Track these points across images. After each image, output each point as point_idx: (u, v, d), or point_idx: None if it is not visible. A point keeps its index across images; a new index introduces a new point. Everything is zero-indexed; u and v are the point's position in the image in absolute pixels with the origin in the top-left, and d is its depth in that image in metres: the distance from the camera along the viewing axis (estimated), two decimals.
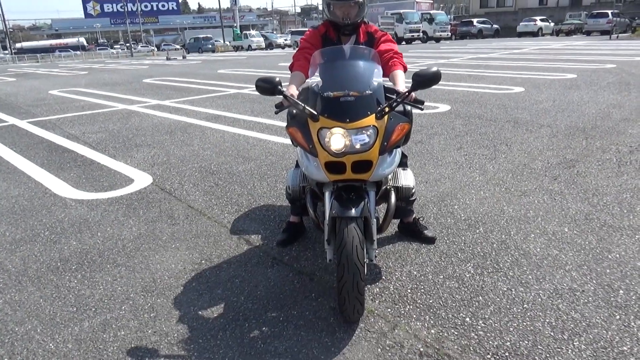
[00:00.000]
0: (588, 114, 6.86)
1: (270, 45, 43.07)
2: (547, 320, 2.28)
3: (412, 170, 3.08)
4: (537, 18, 39.45)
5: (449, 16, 44.80)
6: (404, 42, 34.08)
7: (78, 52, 52.49)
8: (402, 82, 2.57)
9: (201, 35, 47.89)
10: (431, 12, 37.55)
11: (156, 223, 3.61)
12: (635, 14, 36.47)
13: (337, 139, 2.15)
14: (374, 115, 2.20)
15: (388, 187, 2.50)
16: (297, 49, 2.86)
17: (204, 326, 2.33)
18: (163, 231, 3.46)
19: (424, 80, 2.21)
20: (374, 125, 2.18)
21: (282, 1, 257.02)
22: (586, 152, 5.01)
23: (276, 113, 2.63)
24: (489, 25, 41.02)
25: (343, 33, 2.80)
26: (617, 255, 2.86)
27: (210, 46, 43.95)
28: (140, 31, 59.92)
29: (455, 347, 2.12)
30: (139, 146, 6.06)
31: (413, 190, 2.65)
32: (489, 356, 2.06)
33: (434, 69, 2.23)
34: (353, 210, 2.15)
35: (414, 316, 2.35)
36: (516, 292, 2.51)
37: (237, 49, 43.60)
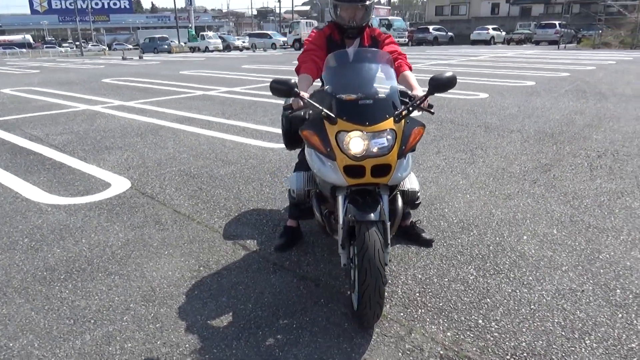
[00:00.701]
0: (553, 119, 7.14)
1: (228, 47, 42.55)
2: (556, 320, 2.34)
3: None
4: (490, 27, 40.90)
5: (405, 23, 45.69)
6: None
7: (24, 50, 50.04)
8: (417, 84, 2.57)
9: (157, 35, 46.69)
10: (389, 18, 38.22)
11: (143, 229, 3.48)
12: (580, 26, 38.37)
13: (356, 142, 2.13)
14: (392, 118, 2.20)
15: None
16: (302, 51, 2.80)
17: (215, 335, 2.25)
18: (152, 237, 3.33)
19: (440, 84, 2.23)
20: (392, 129, 2.18)
21: (238, 3, 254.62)
22: (558, 156, 5.20)
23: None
24: (444, 33, 42.16)
25: (348, 36, 2.78)
26: (607, 256, 2.98)
27: (166, 47, 42.95)
28: (90, 30, 57.79)
29: (474, 349, 2.14)
30: (109, 149, 5.83)
31: (418, 194, 2.67)
32: (508, 357, 2.09)
33: (449, 73, 2.25)
34: (372, 214, 2.13)
35: (428, 320, 2.36)
36: (521, 294, 2.57)
37: (193, 50, 42.81)
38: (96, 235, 3.37)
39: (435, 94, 2.28)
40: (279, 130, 6.46)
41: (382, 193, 2.30)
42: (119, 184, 4.47)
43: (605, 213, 3.64)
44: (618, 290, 2.59)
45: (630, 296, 2.54)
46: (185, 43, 46.50)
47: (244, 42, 44.68)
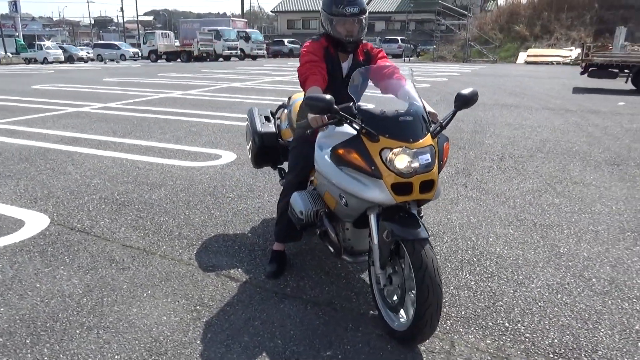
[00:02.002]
0: None
1: (70, 59, 38.71)
2: (566, 314, 2.55)
3: None
4: None
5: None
6: (221, 59, 34.06)
7: None
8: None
9: None
10: (247, 30, 38.31)
11: (98, 270, 2.99)
12: (418, 42, 42.59)
13: (403, 159, 2.10)
14: (429, 134, 2.21)
15: None
16: (303, 62, 2.64)
17: None
18: (116, 279, 2.88)
19: (467, 99, 2.31)
20: (432, 145, 2.19)
21: (71, 11, 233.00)
22: (469, 161, 5.70)
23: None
24: (298, 46, 43.62)
25: (343, 50, 2.72)
26: (566, 250, 3.33)
27: None
28: None
29: (519, 352, 2.23)
30: None
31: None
32: (551, 355, 2.21)
33: (472, 89, 2.34)
34: (422, 231, 2.11)
35: (461, 330, 2.40)
36: (523, 293, 2.75)
37: (29, 61, 38.09)
38: (43, 285, 2.81)
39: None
40: (192, 148, 6.09)
41: (412, 209, 2.29)
42: (34, 220, 3.79)
43: (539, 211, 4.08)
44: (594, 280, 2.92)
45: (606, 284, 2.87)
46: (12, 54, 41.17)
47: (88, 53, 41.11)
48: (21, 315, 2.50)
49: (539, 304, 2.64)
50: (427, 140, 2.18)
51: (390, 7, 50.66)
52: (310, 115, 2.34)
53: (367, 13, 2.62)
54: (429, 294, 2.03)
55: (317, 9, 43.04)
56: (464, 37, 34.39)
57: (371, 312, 2.56)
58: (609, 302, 2.67)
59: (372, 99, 2.46)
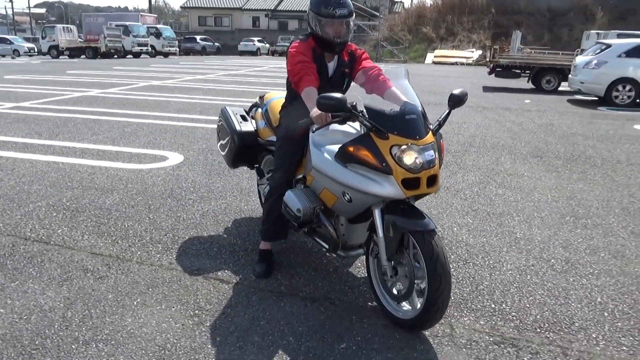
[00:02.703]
0: None
1: None
2: (541, 292, 2.82)
3: None
4: (255, 39, 43.03)
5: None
6: (130, 56, 32.46)
7: None
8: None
9: None
10: (157, 26, 36.77)
11: (74, 281, 2.81)
12: None
13: (412, 155, 2.21)
14: (431, 132, 2.34)
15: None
16: (295, 62, 2.64)
17: None
18: (98, 289, 2.73)
19: (459, 99, 2.48)
20: (434, 142, 2.32)
21: None
22: None
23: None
24: (211, 43, 42.72)
25: (329, 51, 2.77)
26: (522, 235, 3.66)
27: None
28: None
29: (510, 329, 2.45)
30: None
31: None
32: (539, 330, 2.45)
33: (462, 89, 2.52)
34: (430, 222, 2.24)
35: (456, 314, 2.57)
36: (497, 276, 3.00)
37: None
38: (15, 300, 2.59)
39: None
40: (133, 150, 5.82)
41: (412, 203, 2.42)
42: None
43: (488, 201, 4.41)
44: (553, 260, 3.24)
45: (564, 263, 3.20)
46: None
47: None
48: (2, 335, 2.29)
49: (514, 285, 2.89)
50: (430, 137, 2.31)
51: (303, 6, 51.06)
52: (314, 114, 2.38)
53: (354, 15, 2.71)
54: (441, 282, 2.16)
55: (229, 6, 42.20)
56: (376, 38, 35.66)
57: (369, 303, 2.65)
58: (571, 279, 2.99)
59: (373, 98, 2.56)
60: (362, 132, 2.43)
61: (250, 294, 2.72)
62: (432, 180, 2.31)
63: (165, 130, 7.15)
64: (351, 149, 2.29)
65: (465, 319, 2.53)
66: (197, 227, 3.63)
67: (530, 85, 15.44)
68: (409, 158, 2.21)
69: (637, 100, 11.37)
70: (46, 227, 3.57)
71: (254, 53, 41.66)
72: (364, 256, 2.68)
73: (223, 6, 52.45)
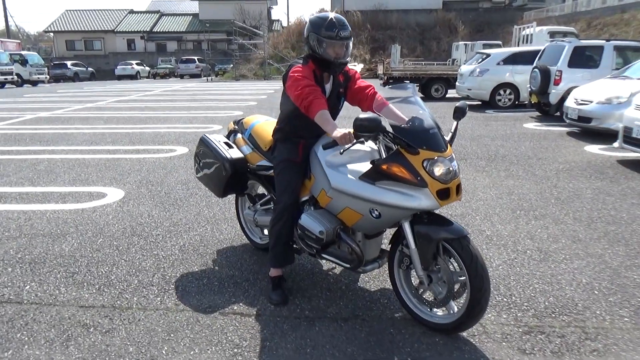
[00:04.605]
0: None
1: None
2: (535, 280, 3.10)
3: None
4: (134, 62, 41.06)
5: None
6: None
7: None
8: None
9: None
10: (22, 52, 33.52)
11: (78, 339, 2.52)
12: (215, 61, 42.84)
13: (442, 167, 2.35)
14: (449, 144, 2.50)
15: None
16: (301, 86, 2.62)
17: None
18: (112, 344, 2.48)
19: (463, 110, 2.68)
20: (453, 153, 2.48)
21: None
22: None
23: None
24: (84, 68, 39.92)
25: (328, 71, 2.82)
26: (491, 232, 3.98)
27: None
28: None
29: (531, 318, 2.67)
30: None
31: None
32: (553, 315, 2.70)
33: (463, 101, 2.73)
34: (462, 229, 2.39)
35: None
36: (493, 271, 3.24)
37: None
38: None
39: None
40: (59, 189, 5.32)
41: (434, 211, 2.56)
42: None
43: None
44: (529, 252, 3.58)
45: (539, 253, 3.56)
46: None
47: None
48: None
49: (511, 277, 3.16)
50: (450, 149, 2.47)
51: (180, 27, 49.90)
52: (338, 134, 2.41)
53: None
54: (483, 282, 2.31)
55: (100, 28, 39.80)
56: (262, 56, 35.96)
57: (396, 314, 2.73)
58: (553, 266, 3.33)
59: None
60: (377, 149, 2.52)
61: (279, 323, 2.66)
62: (458, 189, 2.47)
63: (86, 165, 6.59)
64: (384, 166, 2.37)
65: (489, 316, 2.70)
66: (182, 263, 3.43)
67: (421, 94, 16.66)
68: (440, 170, 2.34)
69: (517, 102, 12.82)
70: (8, 285, 3.14)
71: (134, 77, 39.70)
72: (386, 269, 2.75)
73: (93, 29, 49.40)
